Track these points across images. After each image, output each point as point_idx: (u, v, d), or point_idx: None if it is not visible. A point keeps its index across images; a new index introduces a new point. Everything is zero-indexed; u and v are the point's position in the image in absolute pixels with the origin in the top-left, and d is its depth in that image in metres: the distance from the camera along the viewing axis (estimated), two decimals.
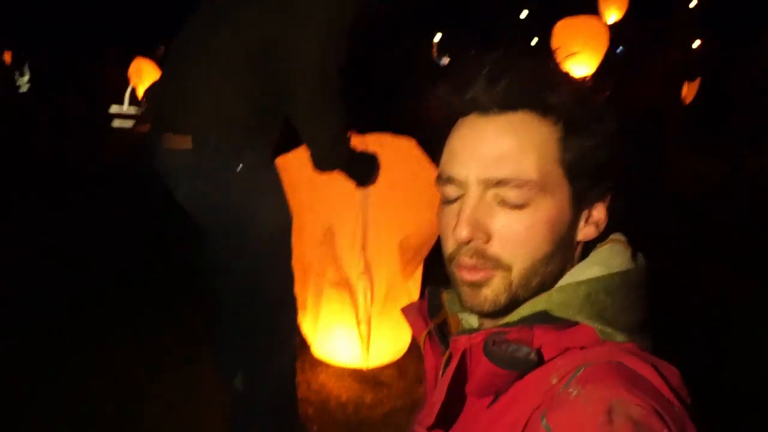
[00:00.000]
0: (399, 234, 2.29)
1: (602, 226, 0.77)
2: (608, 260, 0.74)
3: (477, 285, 0.74)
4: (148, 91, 6.53)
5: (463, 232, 0.72)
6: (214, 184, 1.74)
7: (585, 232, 0.76)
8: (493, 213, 0.73)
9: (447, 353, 0.77)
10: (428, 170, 2.20)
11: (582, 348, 0.69)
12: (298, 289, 2.30)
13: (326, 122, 1.76)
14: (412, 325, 0.85)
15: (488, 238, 0.72)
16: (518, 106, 0.73)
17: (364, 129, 2.30)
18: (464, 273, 0.74)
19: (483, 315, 0.76)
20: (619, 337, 0.69)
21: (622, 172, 0.76)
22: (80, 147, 7.19)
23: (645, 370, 0.63)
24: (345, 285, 2.39)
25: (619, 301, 0.71)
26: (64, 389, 2.56)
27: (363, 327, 2.44)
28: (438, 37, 12.35)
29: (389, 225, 2.30)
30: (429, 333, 0.82)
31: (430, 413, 0.73)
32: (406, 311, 0.87)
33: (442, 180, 0.77)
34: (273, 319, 1.90)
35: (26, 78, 8.32)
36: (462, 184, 0.74)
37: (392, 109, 6.30)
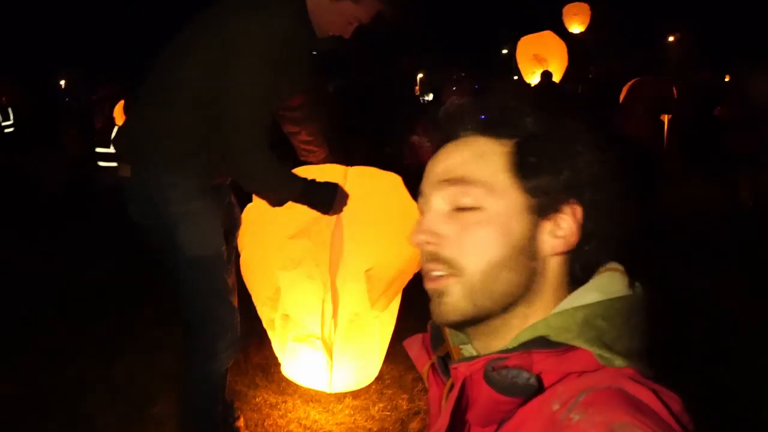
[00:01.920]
0: (366, 263, 2.31)
1: (573, 240, 0.77)
2: (606, 287, 0.75)
3: (439, 293, 0.76)
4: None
5: (419, 236, 0.78)
6: (146, 209, 1.99)
7: (552, 244, 0.76)
8: (447, 219, 0.77)
9: (449, 383, 0.78)
10: (407, 206, 2.23)
11: (582, 373, 0.69)
12: (267, 308, 2.42)
13: (254, 158, 1.92)
14: (415, 357, 0.86)
15: (441, 242, 0.76)
16: (470, 131, 0.81)
17: (352, 161, 2.31)
18: (427, 282, 0.78)
19: (452, 326, 0.78)
20: (618, 362, 0.69)
21: (592, 186, 0.76)
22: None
23: (646, 396, 0.64)
24: (310, 309, 2.41)
25: (617, 327, 0.71)
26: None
27: (326, 351, 2.45)
28: (421, 75, 12.51)
29: (358, 253, 2.32)
30: (432, 365, 0.83)
31: None
32: (408, 344, 0.88)
33: (418, 195, 0.83)
34: (193, 337, 2.05)
35: (10, 122, 8.29)
36: (425, 196, 0.81)
37: (381, 143, 6.35)
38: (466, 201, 0.76)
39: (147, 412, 2.60)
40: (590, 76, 11.11)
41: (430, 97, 12.22)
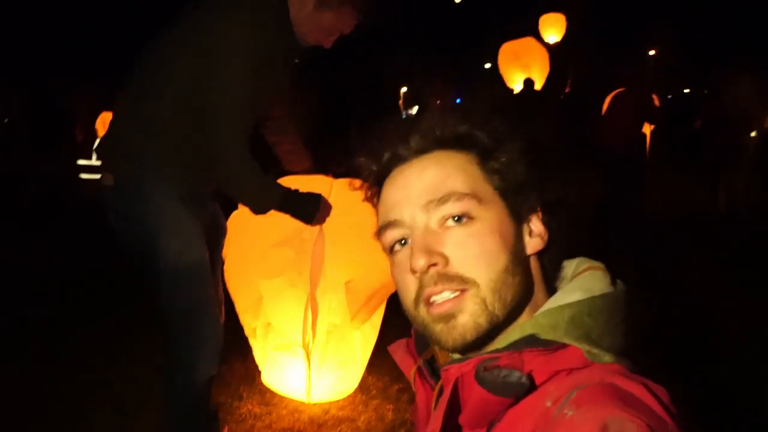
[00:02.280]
0: (347, 275, 2.32)
1: (545, 238, 0.81)
2: (589, 285, 0.76)
3: (450, 316, 0.74)
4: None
5: (421, 260, 0.74)
6: (127, 218, 1.97)
7: (532, 244, 0.80)
8: (443, 236, 0.76)
9: (438, 385, 0.78)
10: None
11: (570, 371, 0.70)
12: (248, 317, 2.41)
13: (235, 165, 1.91)
14: (400, 362, 0.85)
15: (446, 260, 0.75)
16: (430, 148, 0.81)
17: (335, 171, 2.31)
18: (434, 308, 0.75)
19: (467, 347, 0.75)
20: (606, 358, 0.70)
21: (549, 186, 0.81)
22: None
23: (637, 390, 0.64)
24: (292, 318, 2.41)
25: (602, 323, 0.73)
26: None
27: (306, 361, 2.46)
28: (404, 89, 12.57)
29: (338, 265, 2.33)
30: (418, 369, 0.82)
31: None
32: (393, 349, 0.87)
33: (384, 229, 0.81)
34: (173, 348, 2.02)
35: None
36: (404, 224, 0.79)
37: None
38: (461, 212, 0.76)
39: (145, 413, 2.59)
40: (567, 85, 11.25)
41: (414, 110, 12.27)
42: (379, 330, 2.56)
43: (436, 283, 0.74)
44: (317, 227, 2.24)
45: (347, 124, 6.43)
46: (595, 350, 0.69)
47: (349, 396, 2.73)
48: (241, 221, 2.33)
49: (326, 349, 2.46)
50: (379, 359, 2.64)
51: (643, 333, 0.79)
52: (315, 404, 2.65)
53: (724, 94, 6.14)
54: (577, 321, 0.71)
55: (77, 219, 6.04)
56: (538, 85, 9.45)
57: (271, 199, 2.02)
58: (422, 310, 0.76)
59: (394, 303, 2.37)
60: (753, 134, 6.09)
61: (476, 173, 0.79)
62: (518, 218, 0.79)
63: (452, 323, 0.74)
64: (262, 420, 2.64)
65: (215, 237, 2.20)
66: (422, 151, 0.81)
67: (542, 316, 0.72)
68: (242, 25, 1.86)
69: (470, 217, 0.75)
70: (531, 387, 0.68)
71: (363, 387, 2.79)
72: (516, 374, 0.67)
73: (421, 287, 0.75)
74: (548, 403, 0.66)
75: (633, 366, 0.71)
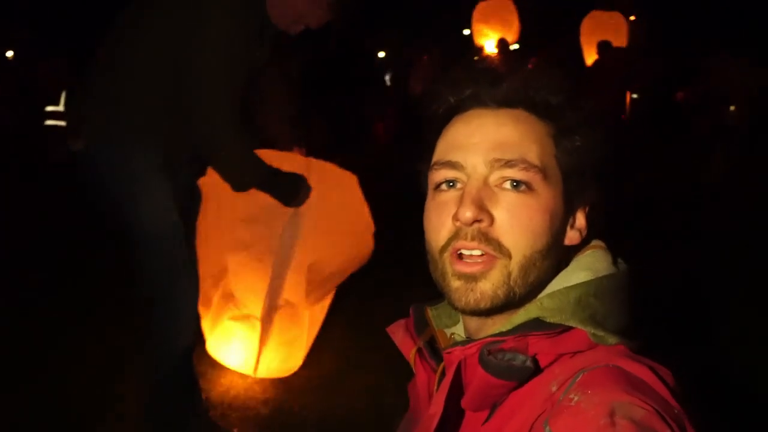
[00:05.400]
0: (311, 257, 2.37)
1: (584, 234, 0.80)
2: (593, 265, 0.76)
3: (473, 278, 0.72)
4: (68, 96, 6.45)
5: (468, 212, 0.71)
6: (100, 185, 1.95)
7: (570, 236, 0.79)
8: (499, 196, 0.73)
9: (441, 367, 0.77)
10: (359, 207, 2.34)
11: (576, 353, 0.69)
12: (207, 285, 2.41)
13: (225, 140, 1.90)
14: (400, 343, 0.84)
15: (492, 221, 0.72)
16: (516, 104, 0.77)
17: (313, 151, 2.31)
18: (460, 265, 0.73)
19: (476, 312, 0.74)
20: (611, 340, 0.69)
21: (604, 181, 0.79)
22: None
23: (642, 373, 0.64)
24: (254, 291, 2.45)
25: (608, 304, 0.72)
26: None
27: (258, 334, 2.49)
28: (382, 54, 12.39)
29: (305, 246, 2.38)
30: (419, 350, 0.81)
31: (428, 428, 0.71)
32: (392, 331, 0.86)
33: (440, 165, 0.77)
34: (150, 318, 2.02)
35: None
36: (465, 169, 0.75)
37: (343, 125, 6.30)
38: (522, 183, 0.73)
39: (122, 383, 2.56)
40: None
41: (388, 76, 12.12)
42: (325, 314, 2.63)
43: (472, 239, 0.72)
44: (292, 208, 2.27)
45: (325, 95, 6.36)
46: (600, 332, 0.69)
47: (331, 365, 2.80)
48: (209, 190, 2.33)
49: (279, 326, 2.51)
50: (360, 331, 2.73)
51: (640, 312, 0.79)
52: (300, 377, 2.69)
53: (716, 68, 6.20)
54: (583, 303, 0.71)
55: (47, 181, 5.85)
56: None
57: (255, 177, 2.02)
58: (447, 259, 0.74)
59: (342, 290, 2.48)
60: (732, 108, 6.20)
61: (550, 147, 0.76)
62: (570, 206, 0.78)
63: (472, 285, 0.72)
64: (246, 390, 2.65)
65: (190, 204, 2.20)
66: (506, 103, 0.77)
67: (547, 299, 0.72)
68: None
69: (530, 189, 0.73)
70: (536, 370, 0.67)
71: (352, 360, 2.85)
72: (520, 358, 0.67)
73: (455, 236, 0.73)
74: (553, 387, 0.66)
75: (637, 346, 0.71)
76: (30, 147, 7.03)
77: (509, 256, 0.72)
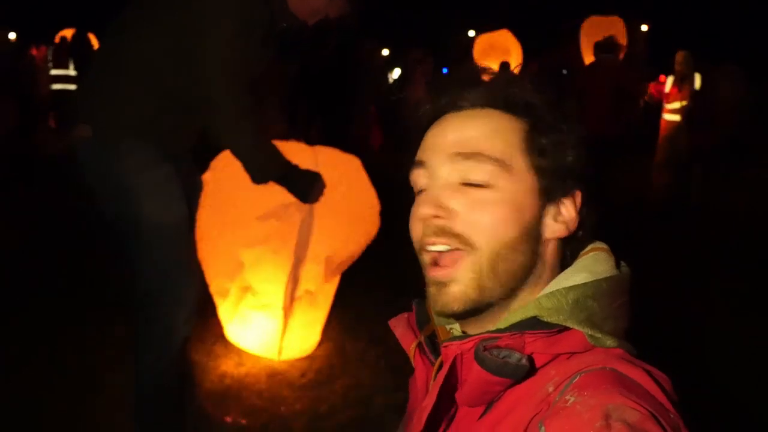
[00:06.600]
0: (328, 249, 2.48)
1: (572, 226, 0.78)
2: (594, 267, 0.75)
3: (441, 284, 0.74)
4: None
5: (423, 209, 0.75)
6: (103, 178, 1.93)
7: (553, 229, 0.78)
8: (458, 193, 0.75)
9: (438, 362, 0.77)
10: (365, 187, 2.44)
11: (572, 354, 0.70)
12: (222, 279, 2.49)
13: (242, 132, 1.92)
14: (401, 337, 0.84)
15: (451, 216, 0.74)
16: (488, 104, 0.79)
17: (313, 140, 2.36)
18: (434, 271, 0.75)
19: (452, 317, 0.76)
20: (608, 342, 0.69)
21: (589, 175, 0.79)
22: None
23: (639, 376, 0.64)
24: (274, 282, 2.54)
25: (606, 307, 0.72)
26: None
27: (280, 321, 2.60)
28: (386, 52, 12.41)
29: (322, 240, 2.47)
30: (419, 344, 0.82)
31: (419, 419, 0.72)
32: (393, 324, 0.86)
33: (414, 165, 0.80)
34: (146, 309, 1.99)
35: None
36: (429, 167, 0.78)
37: (343, 119, 6.31)
38: (480, 177, 0.74)
39: (118, 374, 2.52)
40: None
41: (395, 73, 12.17)
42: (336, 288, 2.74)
43: (435, 234, 0.74)
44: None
45: (323, 91, 6.35)
46: (598, 334, 0.69)
47: (325, 359, 2.86)
48: (213, 186, 2.39)
49: (299, 312, 2.63)
50: (358, 325, 2.77)
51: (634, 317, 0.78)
52: (291, 367, 2.76)
53: (712, 83, 6.21)
54: (581, 304, 0.70)
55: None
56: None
57: (275, 171, 2.03)
58: (426, 264, 0.77)
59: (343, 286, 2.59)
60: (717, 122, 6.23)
61: (516, 142, 0.76)
62: (548, 198, 0.77)
63: (444, 290, 0.74)
64: (238, 381, 2.66)
65: (191, 195, 2.19)
66: (476, 105, 0.79)
67: (546, 298, 0.71)
68: None
69: (490, 184, 0.74)
70: (531, 369, 0.67)
71: (340, 352, 2.89)
72: (516, 356, 0.67)
73: (423, 234, 0.76)
74: (549, 388, 0.66)
75: (633, 350, 0.71)
76: (27, 141, 7.03)
77: (477, 248, 0.73)
